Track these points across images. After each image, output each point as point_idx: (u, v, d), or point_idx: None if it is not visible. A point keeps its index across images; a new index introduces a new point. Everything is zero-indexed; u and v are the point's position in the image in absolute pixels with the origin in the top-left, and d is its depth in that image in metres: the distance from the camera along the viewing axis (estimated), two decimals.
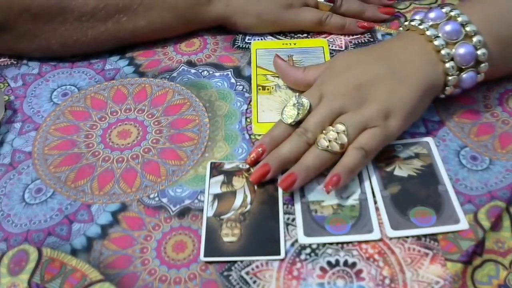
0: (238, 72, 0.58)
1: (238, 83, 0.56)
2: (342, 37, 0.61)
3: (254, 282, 0.41)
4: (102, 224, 0.45)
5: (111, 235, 0.44)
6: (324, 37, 0.61)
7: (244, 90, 0.56)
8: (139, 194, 0.47)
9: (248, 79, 0.57)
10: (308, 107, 0.47)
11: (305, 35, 0.62)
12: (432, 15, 0.49)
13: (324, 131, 0.46)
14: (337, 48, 0.60)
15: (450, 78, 0.47)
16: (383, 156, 0.48)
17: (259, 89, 0.55)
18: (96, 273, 0.42)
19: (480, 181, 0.46)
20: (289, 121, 0.47)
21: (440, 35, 0.47)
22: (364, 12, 0.62)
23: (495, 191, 0.45)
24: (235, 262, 0.42)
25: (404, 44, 0.50)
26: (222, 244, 0.43)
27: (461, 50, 0.47)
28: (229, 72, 0.58)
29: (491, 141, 0.49)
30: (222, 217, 0.45)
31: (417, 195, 0.45)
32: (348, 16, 0.61)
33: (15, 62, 0.61)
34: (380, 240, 0.42)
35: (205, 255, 0.42)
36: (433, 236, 0.42)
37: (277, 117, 0.52)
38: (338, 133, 0.45)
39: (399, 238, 0.42)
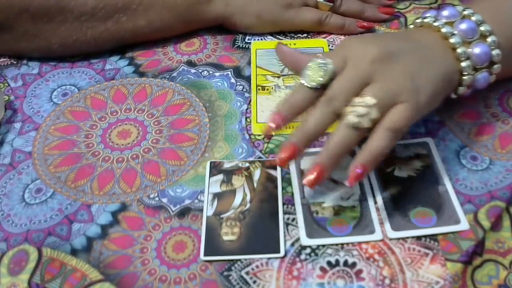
0: (238, 72, 0.58)
1: (238, 83, 0.56)
2: (342, 37, 0.61)
3: (254, 282, 0.41)
4: (102, 224, 0.45)
5: (111, 235, 0.44)
6: (324, 37, 0.61)
7: (244, 90, 0.56)
8: (139, 194, 0.47)
9: (248, 79, 0.57)
10: (332, 70, 0.42)
11: (305, 35, 0.62)
12: (445, 13, 0.47)
13: (351, 104, 0.41)
14: None
15: (465, 77, 0.46)
16: None
17: (259, 89, 0.55)
18: (96, 273, 0.42)
19: (480, 181, 0.46)
20: (313, 84, 0.42)
21: (455, 32, 0.46)
22: (364, 12, 0.62)
23: (495, 191, 0.45)
24: (235, 261, 0.42)
25: (421, 35, 0.47)
26: (222, 243, 0.43)
27: (477, 50, 0.45)
28: (229, 72, 0.58)
29: (491, 141, 0.49)
30: (221, 216, 0.45)
31: (417, 196, 0.45)
32: (348, 16, 0.61)
33: (15, 62, 0.61)
34: (381, 240, 0.42)
35: (205, 254, 0.42)
36: (433, 236, 0.42)
37: None
38: (368, 107, 0.41)
39: (399, 238, 0.42)
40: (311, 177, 0.41)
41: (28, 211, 0.46)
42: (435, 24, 0.46)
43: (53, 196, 0.47)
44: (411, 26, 0.50)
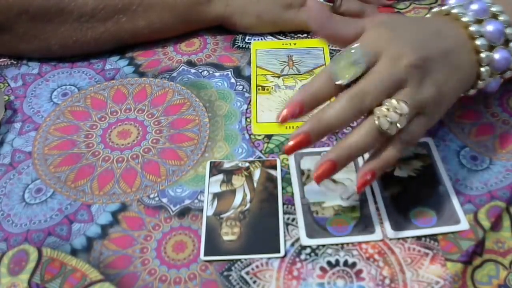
0: (238, 72, 0.58)
1: (238, 83, 0.56)
2: None
3: (254, 282, 0.41)
4: (102, 224, 0.45)
5: (111, 235, 0.44)
6: None
7: (244, 90, 0.56)
8: (139, 194, 0.47)
9: (248, 79, 0.57)
10: (364, 66, 0.39)
11: (305, 35, 0.62)
12: (474, 6, 0.44)
13: (385, 106, 0.39)
14: (337, 48, 0.60)
15: (480, 82, 0.45)
16: None
17: (259, 89, 0.55)
18: (96, 273, 0.42)
19: (480, 181, 0.46)
20: (343, 81, 0.39)
21: (483, 34, 0.44)
22: (364, 12, 0.62)
23: (495, 191, 0.45)
24: (235, 262, 0.42)
25: (450, 31, 0.44)
26: (222, 243, 0.43)
27: (497, 56, 0.44)
28: (229, 72, 0.58)
29: (491, 141, 0.49)
30: (221, 216, 0.45)
31: (417, 196, 0.45)
32: (348, 16, 0.61)
33: (15, 62, 0.61)
34: (381, 240, 0.42)
35: (205, 254, 0.42)
36: (433, 236, 0.42)
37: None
38: (401, 115, 0.38)
39: (399, 238, 0.42)
40: (320, 171, 0.39)
41: (28, 211, 0.46)
42: (464, 19, 0.44)
43: (53, 196, 0.47)
44: (436, 10, 0.47)
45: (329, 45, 0.60)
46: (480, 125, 0.50)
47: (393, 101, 0.39)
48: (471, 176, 0.46)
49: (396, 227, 0.43)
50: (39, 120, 0.54)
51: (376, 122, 0.38)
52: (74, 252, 0.43)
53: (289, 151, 0.39)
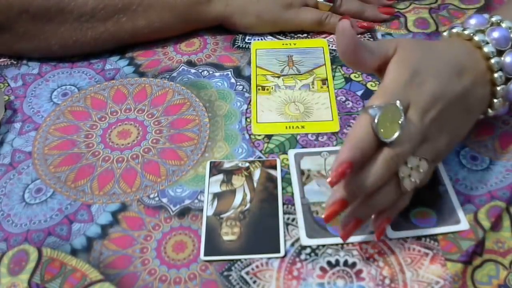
0: (238, 72, 0.58)
1: (238, 83, 0.56)
2: None
3: (254, 282, 0.41)
4: (102, 224, 0.45)
5: (111, 235, 0.44)
6: (324, 37, 0.61)
7: (244, 90, 0.56)
8: (139, 194, 0.47)
9: (248, 79, 0.57)
10: (404, 122, 0.38)
11: (305, 35, 0.62)
12: (496, 34, 0.44)
13: (409, 164, 0.39)
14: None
15: (490, 111, 0.45)
16: None
17: (259, 89, 0.55)
18: (96, 273, 0.42)
19: (480, 181, 0.46)
20: (387, 139, 0.38)
21: (502, 65, 0.44)
22: (364, 12, 0.62)
23: (495, 191, 0.45)
24: (235, 261, 0.42)
25: (472, 62, 0.44)
26: (222, 243, 0.43)
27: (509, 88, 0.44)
28: (229, 72, 0.58)
29: (491, 141, 0.49)
30: (222, 216, 0.45)
31: (417, 196, 0.45)
32: (348, 16, 0.61)
33: (15, 62, 0.61)
34: (381, 240, 0.42)
35: (205, 254, 0.42)
36: (433, 236, 0.42)
37: (276, 117, 0.52)
38: (421, 172, 0.40)
39: (399, 238, 0.42)
40: (346, 229, 0.40)
41: (28, 211, 0.46)
42: (486, 50, 0.44)
43: (53, 196, 0.47)
44: (456, 30, 0.46)
45: (329, 45, 0.60)
46: (480, 125, 0.50)
47: (416, 160, 0.39)
48: (471, 176, 0.46)
49: (396, 227, 0.43)
50: (39, 120, 0.54)
51: (402, 183, 0.39)
52: (74, 252, 0.43)
53: (328, 220, 0.38)
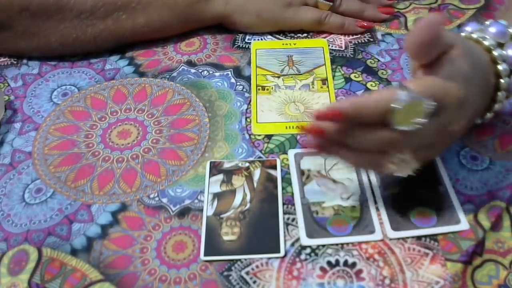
0: (238, 72, 0.58)
1: (238, 83, 0.56)
2: (342, 37, 0.61)
3: (254, 282, 0.41)
4: (102, 224, 0.45)
5: (111, 235, 0.44)
6: (324, 37, 0.61)
7: (244, 90, 0.56)
8: (139, 194, 0.47)
9: (248, 79, 0.57)
10: (428, 123, 0.38)
11: (305, 35, 0.62)
12: (493, 29, 0.44)
13: (401, 156, 0.40)
14: (337, 48, 0.60)
15: (496, 105, 0.45)
16: None
17: (259, 89, 0.55)
18: (96, 273, 0.42)
19: (480, 181, 0.46)
20: (398, 126, 0.37)
21: (505, 57, 0.43)
22: (364, 11, 0.62)
23: (495, 191, 0.45)
24: (235, 261, 0.42)
25: (481, 59, 0.44)
26: (222, 243, 0.43)
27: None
28: (229, 72, 0.58)
29: (491, 141, 0.49)
30: (221, 216, 0.45)
31: (417, 196, 0.45)
32: (348, 16, 0.61)
33: (15, 62, 0.61)
34: (381, 240, 0.42)
35: (205, 254, 0.42)
36: (433, 236, 0.42)
37: (276, 117, 0.52)
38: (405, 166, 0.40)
39: (399, 238, 0.42)
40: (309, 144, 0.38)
41: (28, 211, 0.46)
42: (486, 43, 0.44)
43: (53, 196, 0.47)
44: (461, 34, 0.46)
45: (329, 45, 0.60)
46: (480, 125, 0.50)
47: (409, 157, 0.39)
48: (471, 176, 0.46)
49: (396, 227, 0.43)
50: (39, 120, 0.54)
51: (385, 163, 0.40)
52: (74, 252, 0.43)
53: (304, 130, 0.37)
